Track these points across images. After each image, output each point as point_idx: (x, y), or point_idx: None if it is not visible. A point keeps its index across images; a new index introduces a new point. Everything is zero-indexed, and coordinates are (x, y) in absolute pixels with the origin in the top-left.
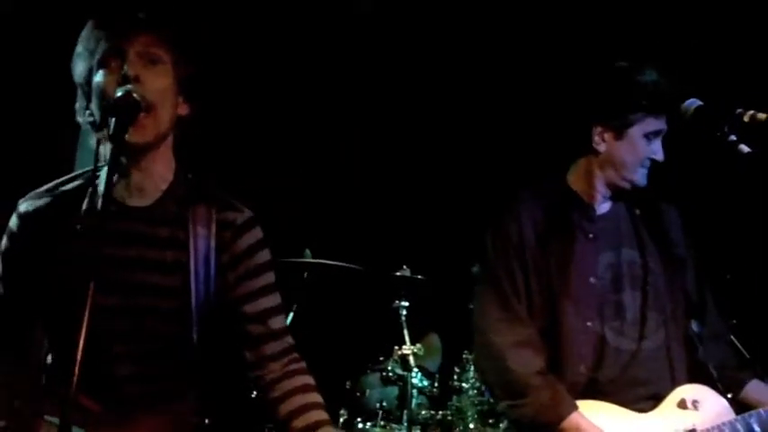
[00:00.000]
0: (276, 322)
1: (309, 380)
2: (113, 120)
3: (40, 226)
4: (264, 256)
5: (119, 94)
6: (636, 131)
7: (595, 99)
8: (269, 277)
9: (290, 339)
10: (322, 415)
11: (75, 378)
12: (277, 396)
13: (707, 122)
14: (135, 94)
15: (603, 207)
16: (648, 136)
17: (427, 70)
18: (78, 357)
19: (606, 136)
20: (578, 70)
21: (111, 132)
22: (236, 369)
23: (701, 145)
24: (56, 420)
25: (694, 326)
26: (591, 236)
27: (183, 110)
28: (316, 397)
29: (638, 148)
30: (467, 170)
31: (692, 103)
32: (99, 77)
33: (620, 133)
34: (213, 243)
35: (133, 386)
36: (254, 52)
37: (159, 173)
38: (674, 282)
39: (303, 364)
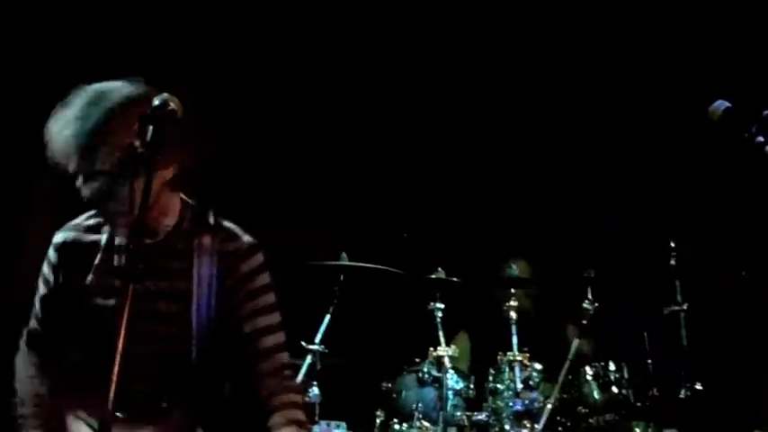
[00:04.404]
0: (270, 341)
1: (295, 398)
2: (151, 128)
3: (68, 257)
4: (263, 279)
5: (156, 103)
6: None
7: None
8: (268, 299)
9: (283, 357)
10: (300, 415)
11: (111, 394)
12: (267, 410)
13: (735, 124)
14: (171, 104)
15: None
16: None
17: (462, 72)
18: (114, 377)
19: None
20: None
21: (148, 140)
22: (232, 383)
23: (728, 146)
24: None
25: None
26: None
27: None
28: (297, 414)
29: None
30: (500, 173)
31: (720, 104)
32: None
33: None
34: (215, 271)
35: (140, 398)
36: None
37: (165, 215)
38: None
39: (293, 383)
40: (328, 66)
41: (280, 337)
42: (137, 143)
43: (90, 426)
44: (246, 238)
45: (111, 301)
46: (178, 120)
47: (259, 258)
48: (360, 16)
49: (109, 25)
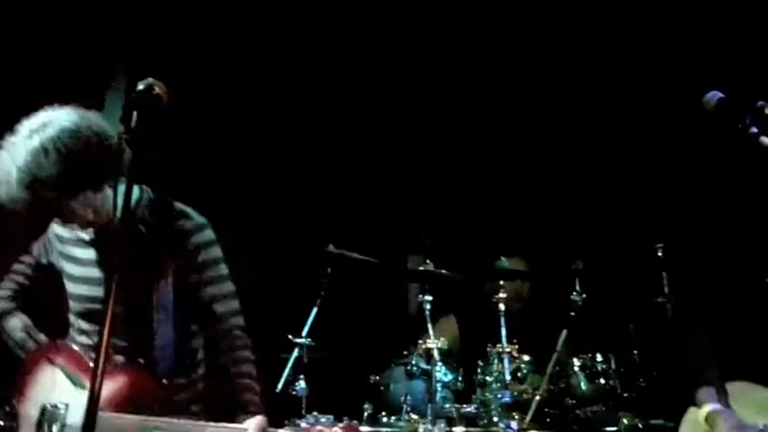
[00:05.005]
0: (222, 307)
1: (247, 352)
2: (135, 114)
3: (59, 232)
4: (212, 252)
5: (140, 87)
6: None
7: None
8: (218, 270)
9: (237, 321)
10: (250, 368)
11: (103, 350)
12: (223, 362)
13: (729, 115)
14: (156, 88)
15: None
16: None
17: (460, 69)
18: (105, 339)
19: None
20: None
21: (133, 126)
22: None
23: (722, 137)
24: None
25: None
26: None
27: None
28: (247, 356)
29: None
30: (489, 165)
31: (714, 95)
32: None
33: None
34: (170, 247)
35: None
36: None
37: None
38: None
39: (245, 341)
40: (328, 65)
41: (233, 305)
42: (121, 129)
43: (68, 377)
44: (197, 217)
45: (84, 270)
46: (163, 105)
47: (207, 234)
48: (360, 16)
49: (109, 25)
